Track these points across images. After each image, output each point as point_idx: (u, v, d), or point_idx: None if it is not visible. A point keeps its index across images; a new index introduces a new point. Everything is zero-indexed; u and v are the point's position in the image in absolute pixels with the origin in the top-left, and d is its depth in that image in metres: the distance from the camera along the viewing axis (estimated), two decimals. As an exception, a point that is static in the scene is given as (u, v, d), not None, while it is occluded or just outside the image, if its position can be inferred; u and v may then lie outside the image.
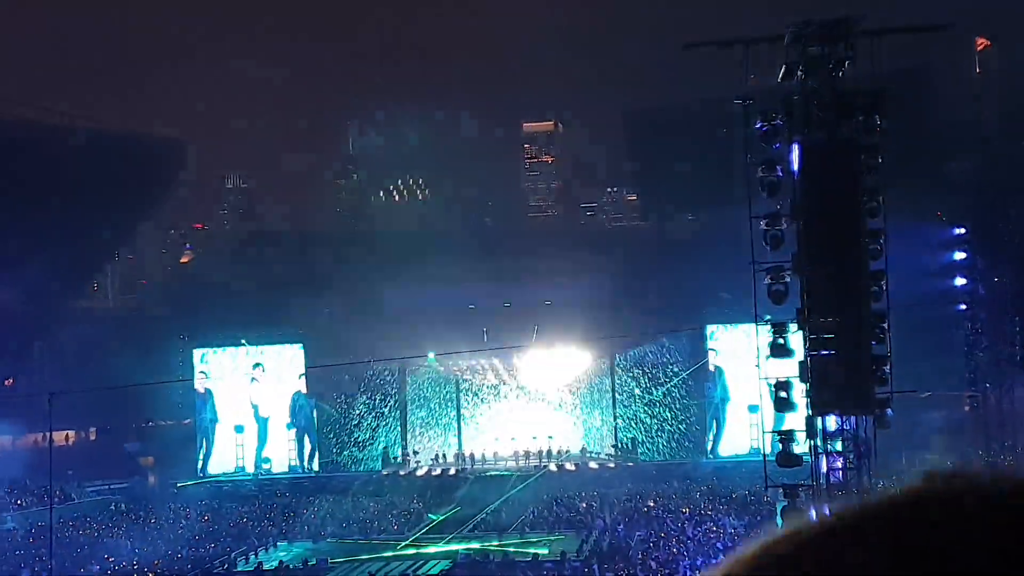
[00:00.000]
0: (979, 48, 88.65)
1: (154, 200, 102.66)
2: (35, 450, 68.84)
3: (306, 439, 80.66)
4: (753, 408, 68.96)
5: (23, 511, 66.43)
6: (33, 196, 78.88)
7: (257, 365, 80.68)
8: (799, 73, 22.00)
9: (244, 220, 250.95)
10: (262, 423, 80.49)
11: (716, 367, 76.20)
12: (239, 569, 52.76)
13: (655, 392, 79.19)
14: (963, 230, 43.95)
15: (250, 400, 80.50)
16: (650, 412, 79.51)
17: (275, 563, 52.75)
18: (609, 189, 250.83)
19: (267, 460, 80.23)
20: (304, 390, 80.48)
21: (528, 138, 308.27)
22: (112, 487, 77.06)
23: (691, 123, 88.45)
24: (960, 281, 43.72)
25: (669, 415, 79.35)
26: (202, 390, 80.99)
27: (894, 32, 24.52)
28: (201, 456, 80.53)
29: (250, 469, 79.81)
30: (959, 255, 43.96)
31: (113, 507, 72.50)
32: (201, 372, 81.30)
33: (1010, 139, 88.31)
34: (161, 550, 57.29)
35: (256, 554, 56.82)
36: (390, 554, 55.33)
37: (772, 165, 22.49)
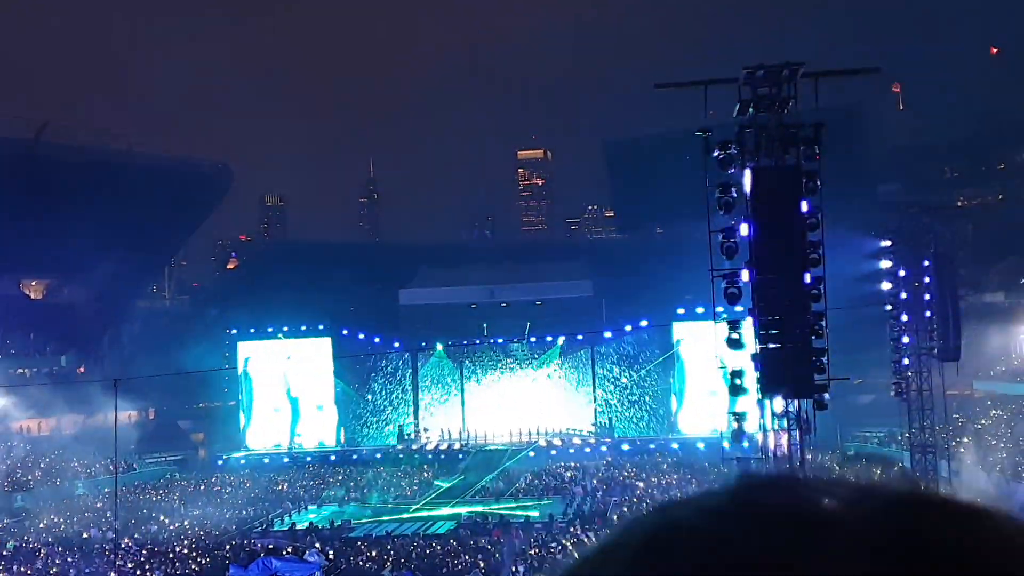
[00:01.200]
0: (896, 90, 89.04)
1: (204, 215, 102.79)
2: (102, 427, 68.70)
3: (333, 419, 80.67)
4: (712, 393, 69.16)
5: (92, 479, 66.40)
6: (101, 211, 78.98)
7: (289, 357, 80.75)
8: (751, 109, 22.04)
9: (281, 232, 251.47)
10: (295, 405, 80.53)
11: (681, 358, 76.26)
12: (275, 529, 52.63)
13: (629, 378, 79.24)
14: (889, 242, 43.85)
15: (285, 385, 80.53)
16: (625, 395, 79.56)
17: (306, 524, 52.61)
18: (590, 207, 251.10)
19: (299, 435, 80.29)
20: (331, 377, 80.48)
21: (522, 163, 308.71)
22: (167, 459, 77.10)
23: (660, 150, 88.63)
24: (886, 286, 43.65)
25: (641, 398, 79.41)
26: (245, 376, 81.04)
27: (831, 75, 24.60)
28: (243, 433, 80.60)
29: (285, 444, 79.82)
30: (885, 263, 43.86)
31: (168, 476, 72.53)
32: (244, 361, 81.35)
33: (928, 163, 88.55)
34: (209, 512, 57.24)
35: (290, 516, 56.74)
36: (404, 516, 55.25)
37: (728, 187, 22.53)
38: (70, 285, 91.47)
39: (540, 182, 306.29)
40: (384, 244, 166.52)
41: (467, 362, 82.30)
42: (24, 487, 61.76)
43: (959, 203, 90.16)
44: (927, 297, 41.76)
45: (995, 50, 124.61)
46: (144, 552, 44.62)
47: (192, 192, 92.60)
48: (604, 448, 73.79)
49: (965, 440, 54.43)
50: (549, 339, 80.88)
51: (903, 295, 42.71)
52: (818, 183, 21.61)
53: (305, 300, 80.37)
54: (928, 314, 41.57)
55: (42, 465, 67.09)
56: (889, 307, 43.70)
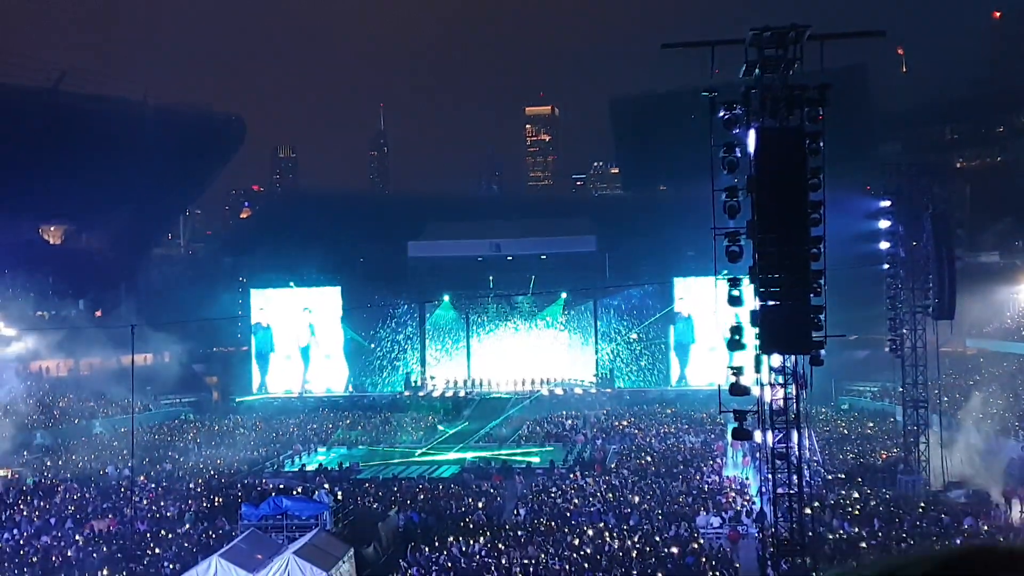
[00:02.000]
0: (899, 53, 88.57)
1: (218, 165, 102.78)
2: (119, 370, 69.10)
3: (342, 365, 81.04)
4: (711, 348, 69.38)
5: (109, 418, 66.87)
6: (117, 160, 79.04)
7: (306, 309, 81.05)
8: (757, 70, 21.98)
9: (293, 183, 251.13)
10: (305, 352, 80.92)
11: (681, 312, 76.48)
12: (286, 469, 53.04)
13: (630, 331, 79.47)
14: (888, 202, 43.75)
15: (296, 332, 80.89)
16: (626, 348, 79.83)
17: (315, 465, 53.02)
18: (596, 163, 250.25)
19: (308, 381, 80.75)
20: (340, 325, 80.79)
21: (529, 119, 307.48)
22: (182, 401, 77.52)
23: (666, 109, 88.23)
24: (884, 245, 43.62)
25: (641, 351, 79.70)
26: (257, 323, 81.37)
27: (837, 37, 24.49)
28: (255, 377, 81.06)
29: (295, 389, 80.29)
30: (884, 223, 43.79)
31: (183, 417, 73.00)
32: (257, 308, 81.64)
33: (929, 125, 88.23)
34: (222, 452, 57.64)
35: (300, 457, 57.15)
36: (410, 459, 55.63)
37: (732, 147, 22.50)
38: (88, 231, 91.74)
39: (547, 138, 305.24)
40: (393, 196, 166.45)
41: (473, 313, 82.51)
42: (44, 425, 62.19)
43: (958, 164, 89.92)
44: (924, 257, 41.76)
45: (997, 14, 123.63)
46: (159, 489, 45.10)
47: (207, 142, 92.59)
48: (604, 398, 74.15)
49: (956, 396, 54.69)
50: (553, 293, 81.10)
51: (900, 254, 42.73)
52: (821, 144, 21.60)
53: (316, 250, 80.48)
54: (925, 274, 41.59)
55: (61, 404, 67.56)
56: (887, 266, 43.73)
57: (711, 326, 69.66)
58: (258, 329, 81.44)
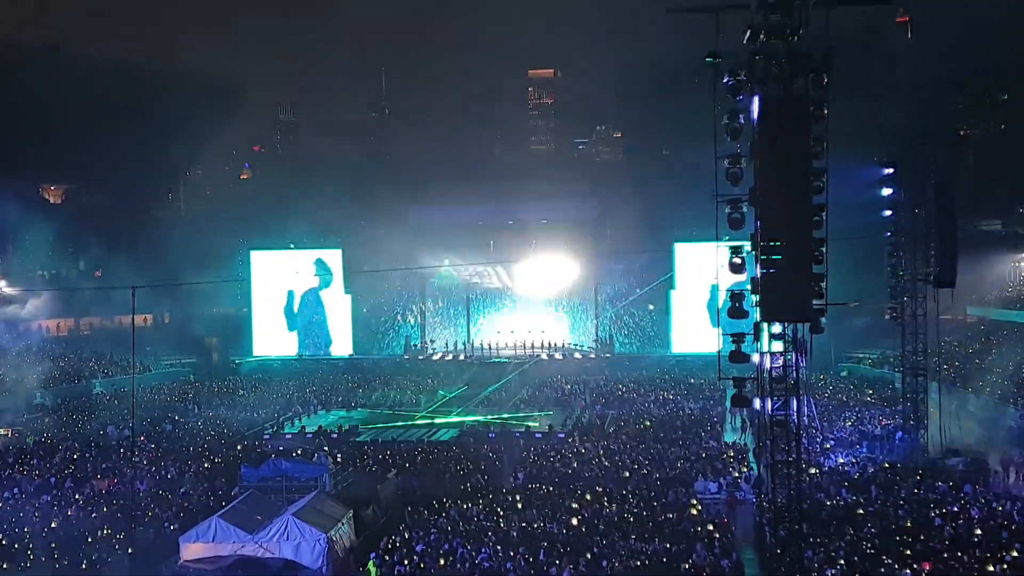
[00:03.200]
0: (904, 20, 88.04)
1: (219, 126, 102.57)
2: (119, 330, 69.24)
3: (341, 328, 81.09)
4: (711, 314, 69.48)
5: (109, 379, 67.01)
6: (118, 120, 78.90)
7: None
8: (761, 37, 21.83)
9: (294, 145, 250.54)
10: (305, 314, 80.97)
11: (682, 278, 76.39)
12: (285, 431, 53.20)
13: (630, 296, 79.51)
14: (891, 170, 43.62)
15: (297, 294, 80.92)
16: (625, 313, 79.92)
17: (315, 427, 53.19)
18: (598, 127, 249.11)
19: (308, 343, 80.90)
20: (342, 287, 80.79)
21: (532, 82, 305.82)
22: (182, 362, 77.65)
23: (670, 74, 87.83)
24: (887, 213, 43.57)
25: (641, 316, 79.79)
26: (257, 284, 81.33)
27: (843, 4, 24.32)
28: (255, 339, 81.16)
29: (295, 351, 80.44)
30: (887, 191, 43.70)
31: (183, 378, 73.15)
32: (257, 269, 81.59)
33: (934, 93, 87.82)
34: (222, 413, 57.79)
35: (300, 419, 57.33)
36: (409, 423, 55.79)
37: (735, 114, 22.41)
38: (88, 191, 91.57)
39: (549, 101, 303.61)
40: (394, 159, 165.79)
41: (473, 277, 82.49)
42: (43, 384, 62.34)
43: (962, 133, 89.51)
44: (926, 225, 41.65)
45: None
46: (159, 450, 45.26)
47: (207, 103, 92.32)
48: (604, 363, 74.27)
49: (956, 364, 54.75)
50: (554, 257, 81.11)
51: (902, 223, 42.62)
52: (825, 111, 21.50)
53: (316, 212, 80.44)
54: (926, 242, 41.49)
55: (61, 364, 67.64)
56: (888, 234, 43.64)
57: (710, 291, 69.88)
58: (257, 290, 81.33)
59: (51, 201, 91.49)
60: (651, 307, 78.43)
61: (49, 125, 77.10)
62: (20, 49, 78.10)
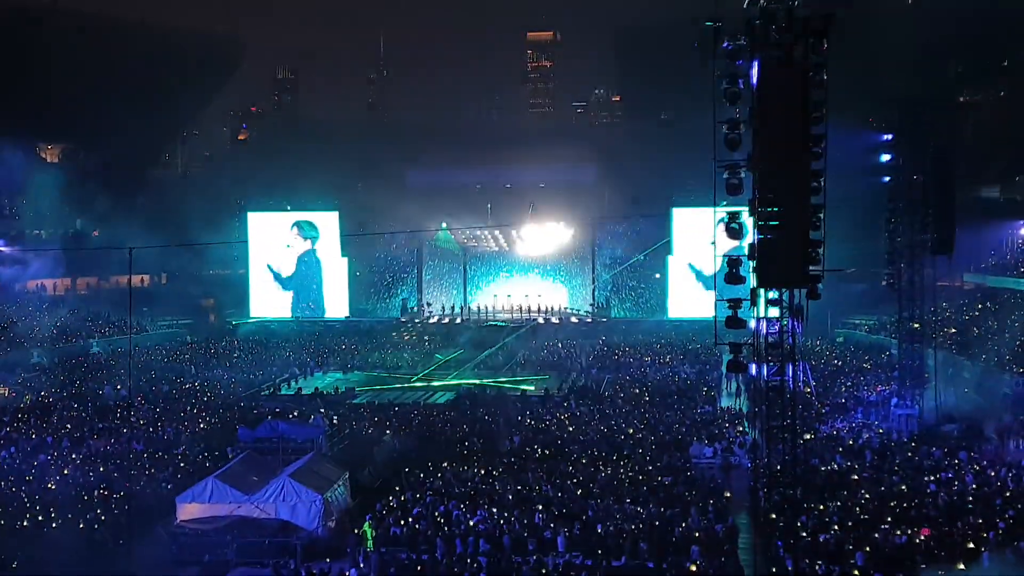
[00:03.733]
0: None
1: (215, 86, 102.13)
2: (116, 290, 69.24)
3: (337, 290, 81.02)
4: (707, 279, 69.50)
5: (107, 339, 67.02)
6: (115, 79, 78.52)
7: (297, 224, 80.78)
8: (761, 1, 21.67)
9: (292, 106, 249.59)
10: (303, 275, 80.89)
11: (678, 244, 76.26)
12: (282, 392, 53.36)
13: (627, 262, 79.45)
14: (890, 136, 43.54)
15: (293, 256, 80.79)
16: (622, 278, 79.93)
17: (311, 389, 53.32)
18: (597, 90, 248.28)
19: (304, 305, 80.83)
20: (338, 250, 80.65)
21: (531, 45, 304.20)
22: (179, 322, 77.67)
23: (669, 38, 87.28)
24: (885, 179, 43.51)
25: (637, 281, 79.80)
26: (254, 246, 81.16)
27: (843, -32, 24.14)
28: (252, 300, 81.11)
29: (292, 313, 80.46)
30: (885, 157, 43.65)
31: (179, 339, 73.18)
32: (254, 231, 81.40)
33: (934, 59, 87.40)
34: (218, 374, 57.92)
35: (296, 381, 57.44)
36: (405, 385, 55.91)
37: (734, 78, 22.25)
38: (85, 151, 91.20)
39: (548, 64, 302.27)
40: (392, 121, 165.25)
41: (470, 241, 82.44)
42: (40, 343, 62.38)
43: (961, 99, 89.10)
44: (924, 191, 41.57)
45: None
46: (156, 410, 45.35)
47: (204, 63, 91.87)
48: (600, 327, 74.33)
49: (952, 331, 54.85)
50: (551, 221, 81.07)
51: (901, 188, 42.55)
52: (824, 76, 21.38)
53: (314, 174, 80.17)
54: (924, 208, 41.42)
55: (57, 323, 67.60)
56: (887, 200, 43.57)
57: (708, 257, 69.79)
58: (254, 252, 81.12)
59: (48, 160, 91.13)
60: (657, 276, 78.24)
61: (46, 84, 76.66)
62: (17, 7, 77.52)
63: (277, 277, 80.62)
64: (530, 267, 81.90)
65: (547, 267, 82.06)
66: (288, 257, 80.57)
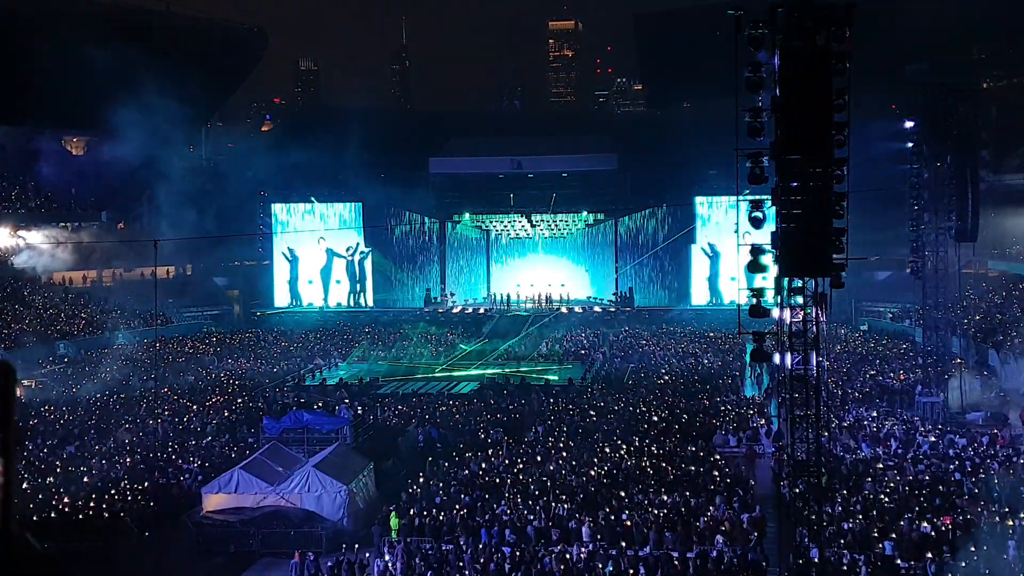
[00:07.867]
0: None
1: (239, 77, 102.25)
2: (141, 282, 69.47)
3: (364, 280, 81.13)
4: (731, 267, 69.19)
5: (132, 330, 67.27)
6: (139, 70, 78.65)
7: (320, 215, 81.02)
8: (784, -12, 21.46)
9: (315, 96, 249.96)
10: (327, 266, 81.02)
11: (702, 233, 76.00)
12: (307, 383, 53.46)
13: (650, 250, 79.23)
14: (913, 124, 43.26)
15: (317, 246, 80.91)
16: (645, 267, 79.69)
17: (336, 380, 53.44)
18: (619, 80, 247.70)
19: (329, 295, 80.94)
20: (362, 241, 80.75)
21: (553, 34, 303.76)
22: (204, 313, 77.91)
23: (691, 26, 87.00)
24: (908, 166, 43.25)
25: (660, 270, 79.55)
26: (278, 237, 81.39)
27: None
28: (276, 291, 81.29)
29: (317, 303, 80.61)
30: (908, 144, 43.40)
31: (204, 330, 73.42)
32: (278, 223, 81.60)
33: (958, 45, 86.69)
34: (243, 365, 58.09)
35: (320, 372, 57.54)
36: (429, 376, 55.94)
37: (757, 67, 22.07)
38: (110, 142, 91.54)
39: (570, 54, 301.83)
40: (415, 112, 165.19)
41: (493, 231, 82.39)
42: (66, 335, 62.69)
43: (984, 86, 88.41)
44: (947, 178, 41.31)
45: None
46: (181, 401, 45.55)
47: (228, 54, 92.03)
48: (624, 316, 74.15)
49: (976, 318, 54.47)
50: (574, 211, 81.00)
51: (924, 176, 42.28)
52: (847, 64, 21.19)
53: (337, 165, 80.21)
54: (948, 195, 41.16)
55: (83, 315, 67.92)
56: (910, 187, 43.30)
57: (730, 246, 69.56)
58: (278, 243, 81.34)
59: (73, 153, 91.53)
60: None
61: (69, 73, 76.94)
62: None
63: (293, 267, 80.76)
64: (552, 256, 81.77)
65: (570, 256, 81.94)
66: (312, 246, 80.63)
